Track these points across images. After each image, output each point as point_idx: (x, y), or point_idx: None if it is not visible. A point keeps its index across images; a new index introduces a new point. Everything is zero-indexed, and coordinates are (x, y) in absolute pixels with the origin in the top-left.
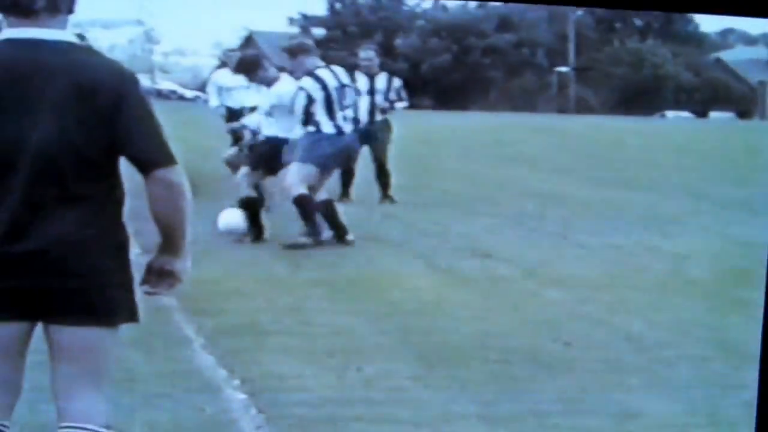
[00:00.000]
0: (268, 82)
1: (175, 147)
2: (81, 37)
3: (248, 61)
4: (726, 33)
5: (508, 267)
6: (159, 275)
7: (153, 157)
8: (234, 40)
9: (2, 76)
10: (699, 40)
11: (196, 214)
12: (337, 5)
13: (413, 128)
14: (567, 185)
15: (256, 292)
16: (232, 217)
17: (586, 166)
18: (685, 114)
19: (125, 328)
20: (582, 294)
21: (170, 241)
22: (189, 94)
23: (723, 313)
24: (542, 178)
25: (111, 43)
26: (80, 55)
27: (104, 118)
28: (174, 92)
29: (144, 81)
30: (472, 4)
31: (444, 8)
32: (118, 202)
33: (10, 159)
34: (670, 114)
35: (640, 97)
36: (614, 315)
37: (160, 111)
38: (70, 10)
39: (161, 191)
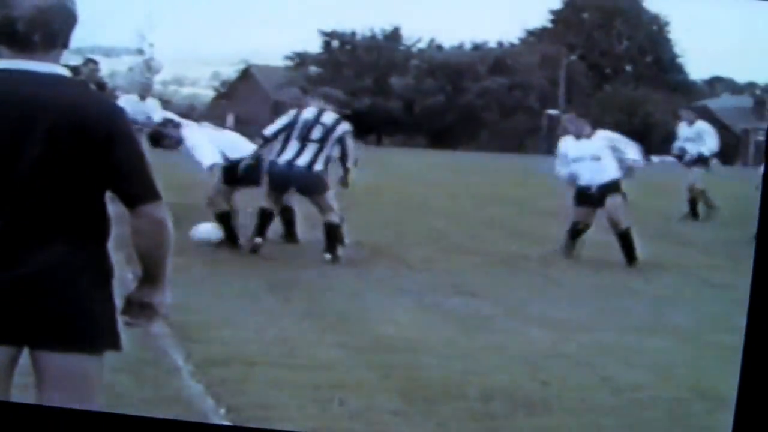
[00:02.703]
0: None
1: (168, 176)
2: (93, 62)
3: None
4: (713, 81)
5: (491, 306)
6: (139, 307)
7: (138, 193)
8: (232, 73)
9: None
10: (688, 88)
11: (186, 245)
12: (334, 43)
13: (404, 166)
14: (552, 227)
15: (245, 322)
16: (205, 229)
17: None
18: (670, 159)
19: (115, 354)
20: (563, 334)
21: (151, 274)
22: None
23: (700, 356)
24: (528, 220)
25: (111, 69)
26: (72, 90)
27: (92, 153)
28: (171, 121)
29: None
30: (468, 46)
31: (439, 48)
32: (104, 233)
33: None
34: (656, 159)
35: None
36: (593, 356)
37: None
38: (65, 45)
39: (144, 226)
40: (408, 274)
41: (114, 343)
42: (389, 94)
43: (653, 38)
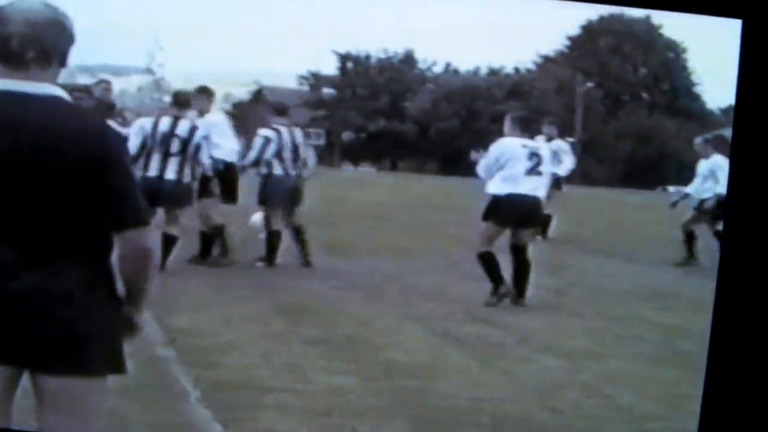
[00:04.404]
0: None
1: None
2: (106, 82)
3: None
4: (729, 110)
5: (503, 333)
6: (122, 323)
7: (123, 219)
8: (244, 94)
9: None
10: (703, 117)
11: (196, 271)
12: (349, 65)
13: (418, 192)
14: (566, 254)
15: (254, 347)
16: (257, 217)
17: (586, 237)
18: (687, 189)
19: (121, 378)
20: (574, 362)
21: (132, 296)
22: None
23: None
24: (542, 247)
25: (120, 88)
26: (64, 111)
27: (79, 176)
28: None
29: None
30: (484, 71)
31: (455, 73)
32: (103, 253)
33: None
34: (672, 189)
35: (643, 170)
36: (605, 384)
37: None
38: (63, 63)
39: (128, 252)
40: (420, 300)
41: (116, 367)
42: (404, 117)
43: (669, 65)
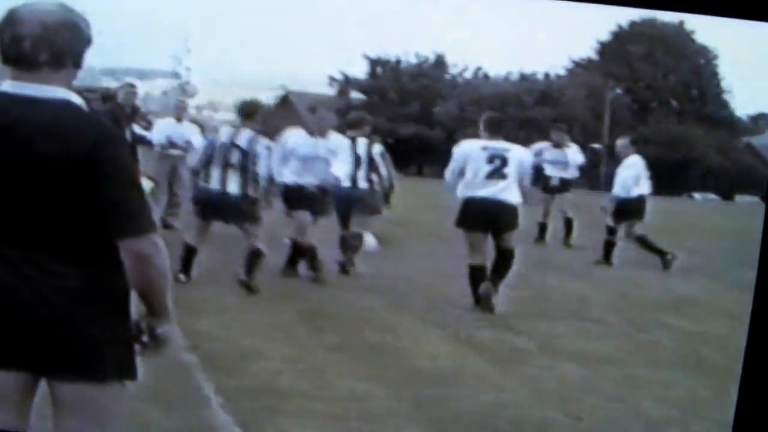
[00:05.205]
0: None
1: None
2: (131, 86)
3: None
4: (758, 118)
5: (525, 339)
6: (146, 336)
7: (120, 227)
8: (270, 99)
9: None
10: (731, 124)
11: (220, 276)
12: (378, 70)
13: (443, 198)
14: (587, 261)
15: (276, 353)
16: (366, 240)
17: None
18: (712, 196)
19: (144, 383)
20: (595, 369)
21: (148, 306)
22: None
23: (732, 393)
24: (564, 254)
25: (145, 92)
26: (68, 115)
27: (77, 180)
28: None
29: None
30: (515, 76)
31: (486, 78)
32: (110, 259)
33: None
34: (698, 195)
35: (669, 177)
36: (625, 391)
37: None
38: (77, 65)
39: (129, 260)
40: (443, 306)
41: (128, 373)
42: (433, 122)
43: (699, 72)
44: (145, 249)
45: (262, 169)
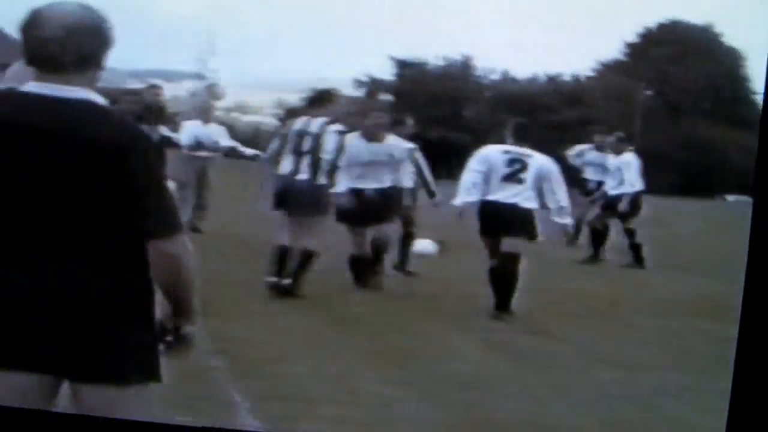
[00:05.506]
0: None
1: (230, 209)
2: (157, 87)
3: None
4: None
5: (560, 345)
6: (171, 336)
7: (149, 228)
8: (297, 101)
9: (16, 131)
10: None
11: (245, 277)
12: (406, 72)
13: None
14: (619, 263)
15: (305, 358)
16: (423, 244)
17: (643, 246)
18: (746, 198)
19: (172, 387)
20: (630, 374)
21: (174, 306)
22: (248, 152)
23: None
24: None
25: (171, 94)
26: (93, 115)
27: (104, 180)
28: (234, 149)
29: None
30: (542, 78)
31: (514, 81)
32: (139, 260)
33: (21, 215)
34: (731, 198)
35: (701, 179)
36: (659, 397)
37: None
38: (100, 67)
39: (158, 261)
40: (475, 311)
41: (152, 375)
42: (460, 125)
43: (730, 73)
44: (174, 249)
45: (330, 155)
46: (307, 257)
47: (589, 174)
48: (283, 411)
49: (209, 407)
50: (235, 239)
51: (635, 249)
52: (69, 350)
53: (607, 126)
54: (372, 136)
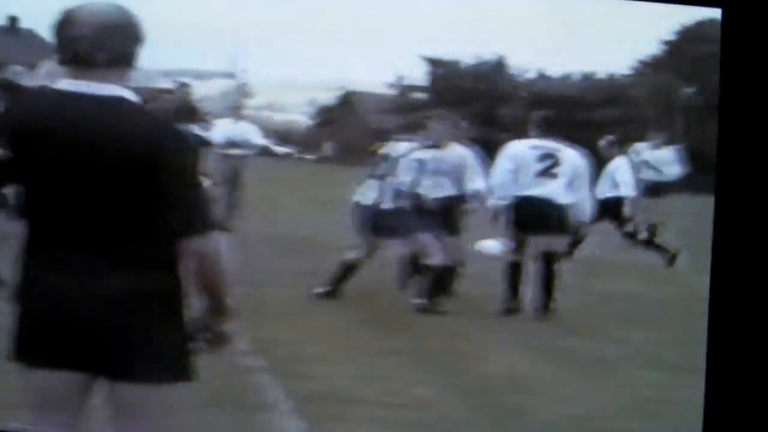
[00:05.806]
0: None
1: (262, 206)
2: (186, 85)
3: None
4: None
5: (602, 347)
6: (205, 333)
7: (178, 227)
8: (329, 99)
9: (48, 128)
10: None
11: (284, 277)
12: (438, 71)
13: None
14: (662, 263)
15: (341, 358)
16: (489, 244)
17: (689, 246)
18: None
19: (207, 387)
20: (677, 377)
21: (210, 303)
22: (280, 150)
23: None
24: (641, 257)
25: (202, 94)
26: (126, 112)
27: (137, 177)
28: (267, 148)
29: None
30: (577, 76)
31: (548, 79)
32: (171, 259)
33: (55, 212)
34: None
35: None
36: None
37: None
38: (131, 65)
39: (191, 259)
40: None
41: (183, 375)
42: (496, 125)
43: None
44: (205, 248)
45: (404, 179)
46: (436, 272)
47: (645, 174)
48: (319, 412)
49: (244, 407)
50: (272, 237)
51: (654, 246)
52: (101, 348)
53: (654, 125)
54: (439, 142)
